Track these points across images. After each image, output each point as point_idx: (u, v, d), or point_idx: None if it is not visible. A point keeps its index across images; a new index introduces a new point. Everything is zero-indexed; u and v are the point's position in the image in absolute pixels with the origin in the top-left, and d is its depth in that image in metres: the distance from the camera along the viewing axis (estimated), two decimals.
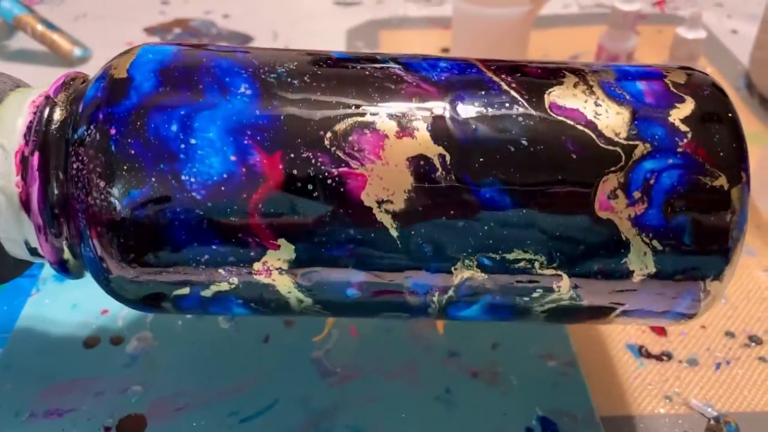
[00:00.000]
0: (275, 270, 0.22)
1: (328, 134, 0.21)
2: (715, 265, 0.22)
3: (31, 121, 0.23)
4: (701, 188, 0.21)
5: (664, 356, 0.31)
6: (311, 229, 0.21)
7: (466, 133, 0.22)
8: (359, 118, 0.22)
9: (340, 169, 0.21)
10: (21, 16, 0.53)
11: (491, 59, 0.24)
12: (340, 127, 0.21)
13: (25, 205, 0.22)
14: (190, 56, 0.23)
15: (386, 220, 0.21)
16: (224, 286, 0.23)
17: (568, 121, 0.22)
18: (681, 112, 0.22)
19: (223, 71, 0.22)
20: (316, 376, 0.30)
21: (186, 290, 0.23)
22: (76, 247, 0.23)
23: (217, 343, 0.31)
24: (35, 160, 0.22)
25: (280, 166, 0.21)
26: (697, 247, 0.22)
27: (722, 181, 0.21)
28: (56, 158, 0.22)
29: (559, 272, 0.22)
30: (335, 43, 0.57)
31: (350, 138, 0.21)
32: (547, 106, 0.22)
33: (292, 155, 0.21)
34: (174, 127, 0.21)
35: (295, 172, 0.21)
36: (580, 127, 0.22)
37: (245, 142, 0.21)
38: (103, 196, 0.21)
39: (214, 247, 0.22)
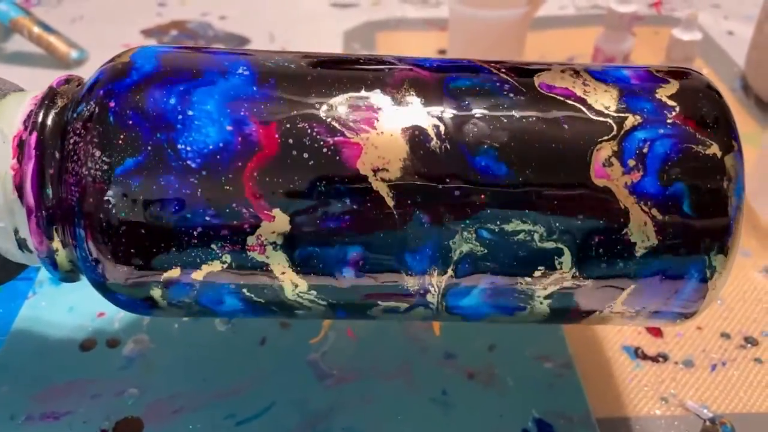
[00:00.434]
0: (269, 245, 0.22)
1: (324, 107, 0.22)
2: (717, 236, 0.22)
3: (31, 111, 0.23)
4: (695, 156, 0.22)
5: (660, 358, 0.31)
6: (306, 199, 0.21)
7: (459, 106, 0.22)
8: (354, 93, 0.22)
9: (336, 138, 0.22)
10: (17, 18, 0.53)
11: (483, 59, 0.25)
12: (335, 100, 0.22)
13: (19, 188, 0.22)
14: (190, 50, 0.24)
15: (382, 188, 0.21)
16: (216, 266, 0.22)
17: (558, 97, 0.23)
18: (667, 91, 0.23)
19: (222, 58, 0.24)
20: (313, 378, 0.30)
21: (177, 272, 0.23)
22: (67, 233, 0.23)
23: (213, 346, 0.31)
24: (32, 139, 0.22)
25: (276, 135, 0.21)
26: (697, 215, 0.22)
27: (714, 150, 0.22)
28: (53, 139, 0.22)
29: (559, 245, 0.22)
30: (332, 45, 0.57)
31: (345, 110, 0.22)
32: (536, 85, 0.23)
33: (288, 125, 0.22)
34: (172, 100, 0.22)
35: (290, 141, 0.21)
36: (570, 102, 0.22)
37: (242, 113, 0.22)
38: (97, 166, 0.21)
39: (207, 218, 0.22)
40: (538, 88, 0.23)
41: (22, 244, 0.24)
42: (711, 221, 0.22)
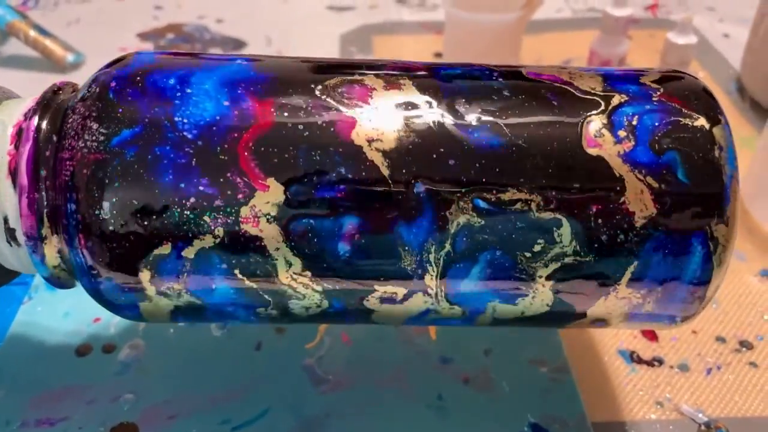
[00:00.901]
0: (264, 217, 0.22)
1: (319, 86, 0.23)
2: (715, 203, 0.22)
3: (31, 108, 0.23)
4: (683, 127, 0.22)
5: (655, 362, 0.31)
6: (301, 168, 0.22)
7: (452, 86, 0.23)
8: (348, 77, 0.23)
9: (331, 112, 0.22)
10: (13, 21, 0.53)
11: None
12: (330, 81, 0.23)
13: (13, 173, 0.22)
14: (187, 55, 0.25)
15: (377, 158, 0.22)
16: (208, 240, 0.22)
17: (546, 81, 0.24)
18: (649, 78, 0.24)
19: (221, 57, 0.25)
20: (308, 383, 0.30)
21: (167, 249, 0.22)
22: (60, 219, 0.22)
23: (208, 351, 0.31)
24: (32, 123, 0.23)
25: (272, 110, 0.22)
26: (692, 183, 0.22)
27: (702, 122, 0.23)
28: (53, 123, 0.23)
29: (557, 215, 0.22)
30: (329, 48, 0.57)
31: (340, 89, 0.23)
32: (524, 73, 0.24)
33: (284, 101, 0.22)
34: (172, 81, 0.23)
35: (286, 114, 0.22)
36: (558, 85, 0.24)
37: (239, 91, 0.23)
38: (94, 137, 0.22)
39: (201, 188, 0.22)
40: (526, 75, 0.24)
41: (10, 236, 0.23)
42: (707, 188, 0.22)
